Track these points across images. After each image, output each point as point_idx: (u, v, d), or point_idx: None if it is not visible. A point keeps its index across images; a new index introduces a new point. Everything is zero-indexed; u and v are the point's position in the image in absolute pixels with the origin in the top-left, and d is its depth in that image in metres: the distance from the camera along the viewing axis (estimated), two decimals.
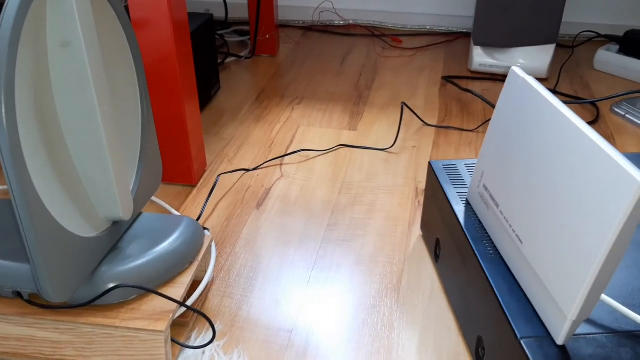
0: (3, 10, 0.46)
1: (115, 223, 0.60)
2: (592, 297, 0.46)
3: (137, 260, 0.59)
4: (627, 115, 1.13)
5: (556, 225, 0.49)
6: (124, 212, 0.58)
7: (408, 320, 0.67)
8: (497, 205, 0.59)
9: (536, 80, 0.56)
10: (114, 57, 0.59)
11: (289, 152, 1.01)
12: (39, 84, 0.49)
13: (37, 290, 0.55)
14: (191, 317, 0.64)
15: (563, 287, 0.47)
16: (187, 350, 0.61)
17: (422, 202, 0.88)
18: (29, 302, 0.57)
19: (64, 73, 0.52)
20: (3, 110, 0.44)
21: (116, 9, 0.59)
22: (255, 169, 0.96)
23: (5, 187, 0.89)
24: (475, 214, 0.65)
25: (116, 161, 0.56)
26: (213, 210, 0.86)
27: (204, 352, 0.61)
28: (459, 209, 0.65)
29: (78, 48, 0.51)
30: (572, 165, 0.47)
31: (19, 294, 0.57)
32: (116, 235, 0.61)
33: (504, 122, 0.59)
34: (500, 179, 0.59)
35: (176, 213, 0.83)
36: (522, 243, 0.54)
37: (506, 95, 0.59)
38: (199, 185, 0.91)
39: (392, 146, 1.03)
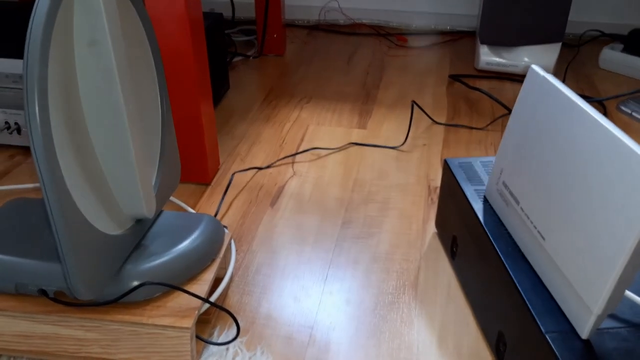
0: (33, 10, 0.46)
1: (139, 221, 0.61)
2: (617, 292, 0.47)
3: (161, 257, 0.59)
4: (633, 114, 1.14)
5: (580, 221, 0.49)
6: (148, 210, 0.59)
7: (427, 316, 0.67)
8: (518, 202, 0.60)
9: (556, 79, 0.56)
10: (135, 56, 0.60)
11: (300, 150, 1.01)
12: (66, 84, 0.50)
13: (67, 288, 0.56)
14: (213, 314, 0.65)
15: (588, 283, 0.48)
16: (211, 346, 0.61)
17: (434, 199, 0.88)
18: (54, 299, 0.57)
19: (91, 72, 0.52)
20: (37, 109, 0.44)
21: (137, 7, 0.60)
22: (267, 167, 0.96)
23: (29, 185, 0.89)
24: (494, 211, 0.65)
25: (140, 160, 0.57)
26: (228, 208, 0.86)
27: (227, 349, 0.61)
28: (478, 207, 0.66)
29: (105, 47, 0.51)
30: (598, 162, 0.48)
31: (43, 292, 0.57)
32: (139, 233, 0.61)
33: (524, 119, 0.60)
34: (521, 176, 0.59)
35: (192, 211, 0.84)
36: (544, 239, 0.54)
37: (525, 93, 0.60)
38: (212, 183, 0.92)
39: (402, 144, 1.03)
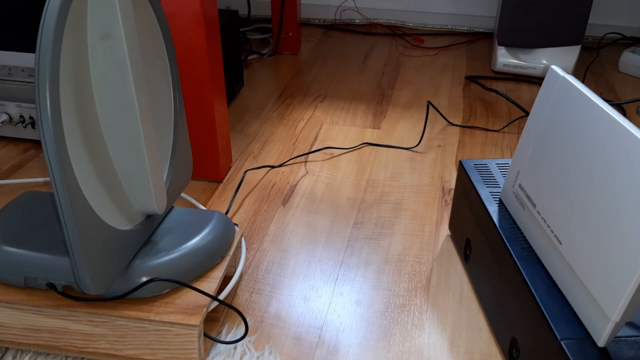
0: (47, 1, 0.46)
1: (149, 217, 0.60)
2: (636, 299, 0.45)
3: (171, 254, 0.59)
4: None
5: (599, 226, 0.48)
6: (158, 206, 0.58)
7: (438, 320, 0.66)
8: (534, 206, 0.58)
9: (577, 80, 0.55)
10: (149, 51, 0.59)
11: (313, 149, 1.01)
12: (78, 77, 0.49)
13: (75, 282, 0.55)
14: (222, 312, 0.64)
15: (606, 289, 0.47)
16: (219, 345, 0.61)
17: (448, 201, 0.87)
18: (63, 294, 0.57)
19: (103, 66, 0.52)
20: (48, 101, 0.44)
21: (152, 2, 0.59)
22: (280, 165, 0.96)
23: (41, 179, 0.90)
24: (509, 214, 0.64)
25: (152, 155, 0.56)
26: (239, 206, 0.85)
27: (235, 348, 0.60)
28: (493, 209, 0.65)
29: (118, 41, 0.51)
30: (618, 166, 0.47)
31: (52, 286, 0.57)
32: (149, 229, 0.61)
33: (542, 121, 0.58)
34: (538, 179, 0.58)
35: (203, 208, 0.83)
36: (561, 243, 0.53)
37: (544, 94, 0.58)
38: (224, 181, 0.91)
39: (417, 145, 1.02)
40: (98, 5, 0.50)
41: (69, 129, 0.47)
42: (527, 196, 0.60)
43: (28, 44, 0.94)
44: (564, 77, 0.56)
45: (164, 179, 0.63)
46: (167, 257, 0.59)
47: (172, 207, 0.67)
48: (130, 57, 0.52)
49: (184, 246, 0.60)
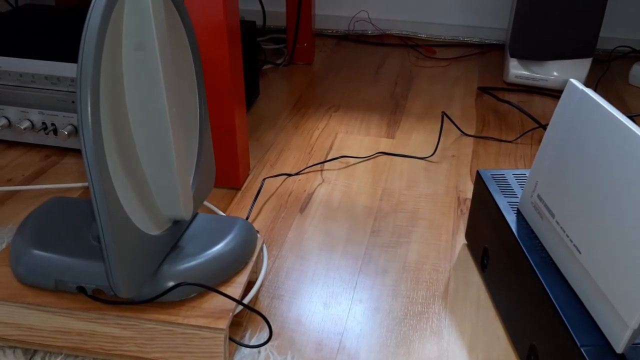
0: (89, 13, 0.47)
1: (176, 222, 0.62)
2: None
3: (197, 259, 0.60)
4: None
5: (618, 236, 0.49)
6: (185, 211, 0.60)
7: (457, 327, 0.67)
8: (553, 216, 0.59)
9: (595, 93, 0.56)
10: (178, 60, 0.61)
11: (328, 158, 1.02)
12: (113, 86, 0.51)
13: (106, 286, 0.57)
14: (245, 316, 0.65)
15: (624, 297, 0.48)
16: (243, 349, 0.62)
17: (464, 211, 0.88)
18: (92, 297, 0.58)
19: (136, 75, 0.53)
20: (89, 109, 0.46)
21: (181, 13, 0.61)
22: (297, 174, 0.97)
23: (64, 184, 0.91)
24: (527, 224, 0.65)
25: (180, 162, 0.58)
26: (258, 213, 0.87)
27: (259, 352, 0.62)
28: (511, 219, 0.66)
29: (152, 51, 0.53)
30: (637, 176, 0.48)
31: (82, 289, 0.58)
32: (176, 235, 0.62)
33: (561, 133, 0.60)
34: (557, 190, 0.59)
35: (223, 215, 0.85)
36: (580, 253, 0.54)
37: (563, 106, 0.60)
38: (242, 188, 0.93)
39: (431, 155, 1.03)
40: (134, 16, 0.51)
41: (106, 136, 0.49)
42: (546, 206, 0.61)
43: (51, 53, 0.96)
44: (582, 90, 0.57)
45: (190, 186, 0.65)
46: (193, 262, 0.60)
47: (196, 214, 0.69)
48: (163, 67, 0.54)
49: (209, 251, 0.62)
